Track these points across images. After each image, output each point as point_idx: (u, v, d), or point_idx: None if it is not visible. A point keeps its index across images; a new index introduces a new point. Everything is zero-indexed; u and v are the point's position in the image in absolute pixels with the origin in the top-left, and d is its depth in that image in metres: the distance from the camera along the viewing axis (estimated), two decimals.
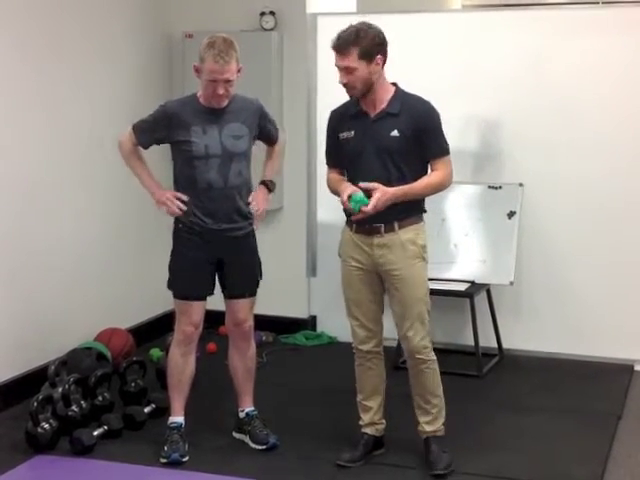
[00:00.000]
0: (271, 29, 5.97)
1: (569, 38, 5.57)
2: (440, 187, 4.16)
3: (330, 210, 5.98)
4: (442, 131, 4.13)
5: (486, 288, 5.68)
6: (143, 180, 4.38)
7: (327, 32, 5.83)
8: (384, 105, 4.09)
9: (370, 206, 3.95)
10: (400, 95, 4.13)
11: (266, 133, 4.46)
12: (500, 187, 5.72)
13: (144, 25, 6.04)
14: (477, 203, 5.70)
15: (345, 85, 4.05)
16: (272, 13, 5.97)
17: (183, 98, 4.42)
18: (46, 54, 5.17)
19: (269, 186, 4.47)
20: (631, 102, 5.50)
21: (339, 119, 4.21)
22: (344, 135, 4.16)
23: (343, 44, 3.99)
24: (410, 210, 4.10)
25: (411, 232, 4.12)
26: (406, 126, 4.05)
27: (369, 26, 4.02)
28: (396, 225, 4.09)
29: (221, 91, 4.16)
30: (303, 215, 6.19)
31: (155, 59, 6.16)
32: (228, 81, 4.15)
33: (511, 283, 5.57)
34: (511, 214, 5.66)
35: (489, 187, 5.73)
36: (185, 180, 4.31)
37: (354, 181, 4.11)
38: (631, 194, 5.55)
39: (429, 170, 4.15)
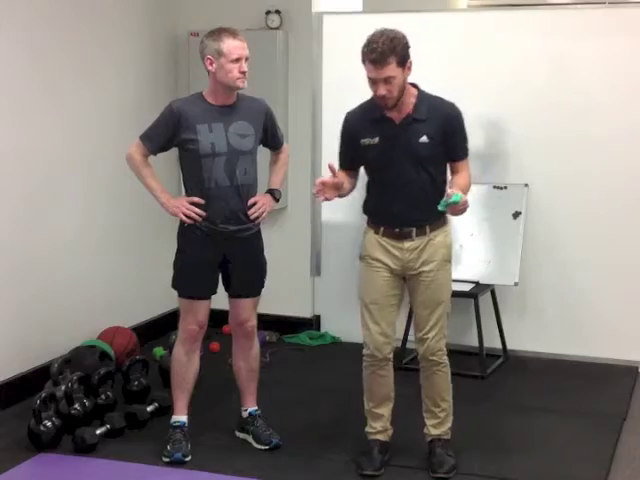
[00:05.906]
0: (277, 28, 5.97)
1: (575, 38, 5.56)
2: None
3: (335, 210, 6.00)
4: (466, 132, 4.08)
5: (491, 289, 5.67)
6: (155, 191, 4.31)
7: (333, 31, 5.95)
8: (409, 110, 3.99)
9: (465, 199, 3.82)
10: (424, 98, 4.02)
11: (271, 135, 4.43)
12: (505, 187, 5.71)
13: (150, 24, 6.04)
14: (482, 203, 5.67)
15: (383, 97, 3.89)
16: (278, 12, 5.96)
17: (189, 97, 4.40)
18: (51, 54, 5.17)
19: (275, 195, 4.45)
20: (637, 102, 5.48)
21: (358, 123, 4.08)
22: (366, 141, 4.04)
23: (382, 55, 3.80)
24: (439, 212, 3.94)
25: (442, 234, 4.08)
26: (435, 131, 3.97)
27: (394, 31, 3.88)
28: (427, 228, 4.04)
29: (245, 68, 4.15)
30: (307, 215, 6.18)
31: (161, 58, 6.16)
32: (247, 59, 4.15)
33: (516, 284, 5.56)
34: (516, 214, 5.65)
35: (494, 187, 5.72)
36: (192, 179, 4.28)
37: (384, 187, 4.06)
38: (637, 195, 5.53)
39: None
